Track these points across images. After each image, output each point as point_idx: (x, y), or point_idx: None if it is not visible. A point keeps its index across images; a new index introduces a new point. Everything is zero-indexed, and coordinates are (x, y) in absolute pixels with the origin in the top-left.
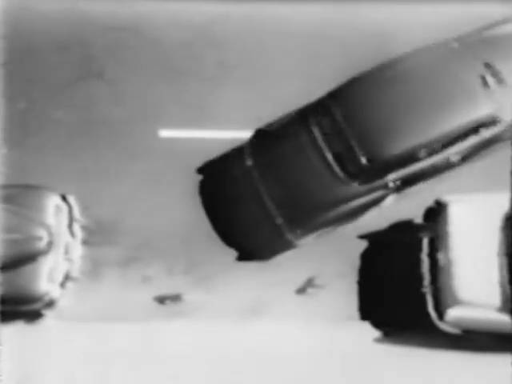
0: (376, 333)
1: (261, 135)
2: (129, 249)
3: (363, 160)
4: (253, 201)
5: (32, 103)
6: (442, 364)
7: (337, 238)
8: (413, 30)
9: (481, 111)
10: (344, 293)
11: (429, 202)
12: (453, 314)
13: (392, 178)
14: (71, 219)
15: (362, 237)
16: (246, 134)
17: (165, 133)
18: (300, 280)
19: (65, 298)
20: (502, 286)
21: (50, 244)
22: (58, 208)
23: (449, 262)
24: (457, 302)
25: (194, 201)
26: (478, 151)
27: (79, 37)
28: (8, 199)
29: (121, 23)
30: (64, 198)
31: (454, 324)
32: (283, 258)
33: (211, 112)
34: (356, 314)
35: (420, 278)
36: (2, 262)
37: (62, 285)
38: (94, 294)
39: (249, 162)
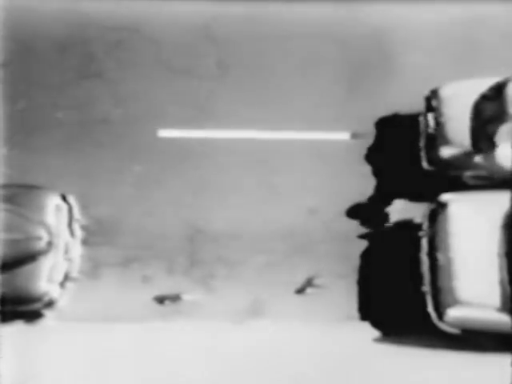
0: (376, 333)
1: None
2: (128, 249)
3: None
4: None
5: (32, 103)
6: (441, 364)
7: (336, 238)
8: (412, 30)
9: None
10: (343, 293)
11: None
12: (452, 313)
13: None
14: (71, 219)
15: (361, 237)
16: (245, 134)
17: (165, 133)
18: (299, 280)
19: (65, 298)
20: (501, 285)
21: (50, 244)
22: (57, 208)
23: (448, 262)
24: (456, 301)
25: (193, 201)
26: None
27: (79, 37)
28: (8, 199)
29: (121, 23)
30: (64, 198)
31: (454, 324)
32: (283, 258)
33: (211, 112)
34: (356, 314)
35: (420, 278)
36: (2, 261)
37: (62, 285)
38: (94, 293)
39: None
